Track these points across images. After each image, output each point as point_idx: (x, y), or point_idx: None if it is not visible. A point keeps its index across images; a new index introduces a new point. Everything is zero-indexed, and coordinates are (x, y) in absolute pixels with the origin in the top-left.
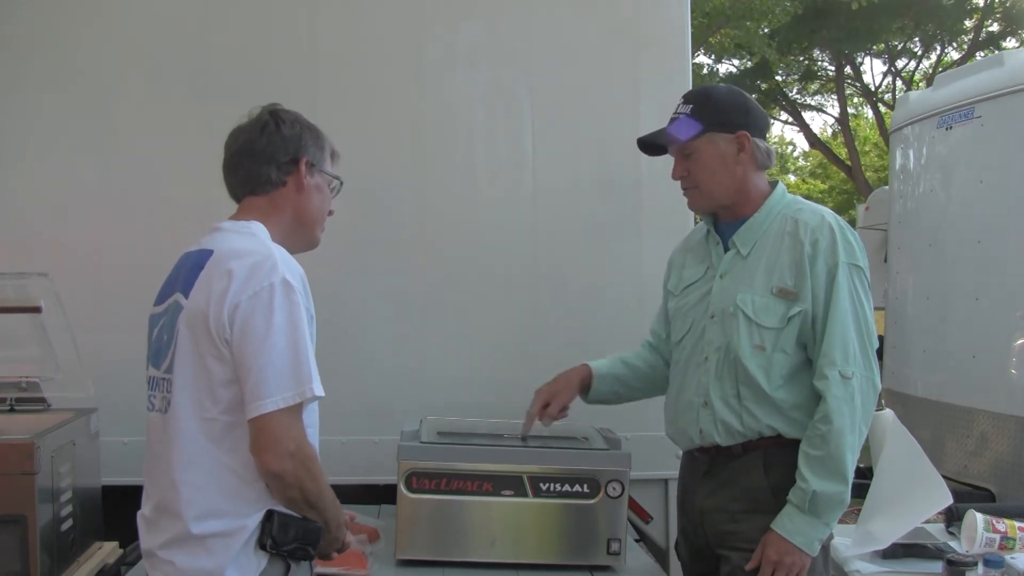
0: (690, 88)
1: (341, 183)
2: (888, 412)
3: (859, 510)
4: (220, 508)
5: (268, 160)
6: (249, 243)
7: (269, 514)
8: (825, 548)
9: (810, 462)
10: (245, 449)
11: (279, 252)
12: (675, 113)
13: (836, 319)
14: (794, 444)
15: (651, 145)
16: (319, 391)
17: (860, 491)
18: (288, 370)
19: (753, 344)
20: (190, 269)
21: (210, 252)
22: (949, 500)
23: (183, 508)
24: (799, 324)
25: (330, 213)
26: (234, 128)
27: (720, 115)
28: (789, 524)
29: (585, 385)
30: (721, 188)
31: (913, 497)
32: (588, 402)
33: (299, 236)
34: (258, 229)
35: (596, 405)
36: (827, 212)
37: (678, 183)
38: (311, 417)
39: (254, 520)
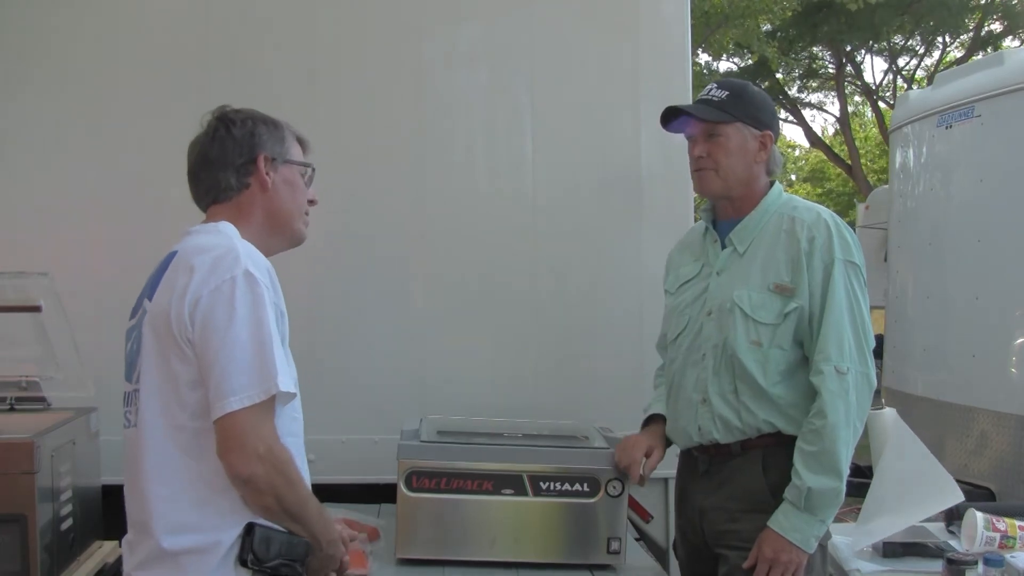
0: (690, 88)
1: (313, 169)
2: (890, 411)
3: (859, 508)
4: (191, 521)
5: (224, 166)
6: (214, 239)
7: (249, 527)
8: (823, 546)
9: (805, 458)
10: (215, 456)
11: (243, 246)
12: (709, 95)
13: (832, 315)
14: (792, 443)
15: (671, 119)
16: (284, 387)
17: (861, 490)
18: (252, 366)
19: (750, 340)
20: (156, 274)
21: (175, 253)
22: (959, 497)
23: (154, 522)
24: (796, 320)
25: (312, 203)
26: (192, 140)
27: (753, 110)
28: (785, 521)
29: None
30: (736, 177)
31: (917, 494)
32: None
33: (278, 234)
34: (226, 227)
35: (595, 403)
36: (823, 210)
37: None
38: (294, 416)
39: (230, 535)
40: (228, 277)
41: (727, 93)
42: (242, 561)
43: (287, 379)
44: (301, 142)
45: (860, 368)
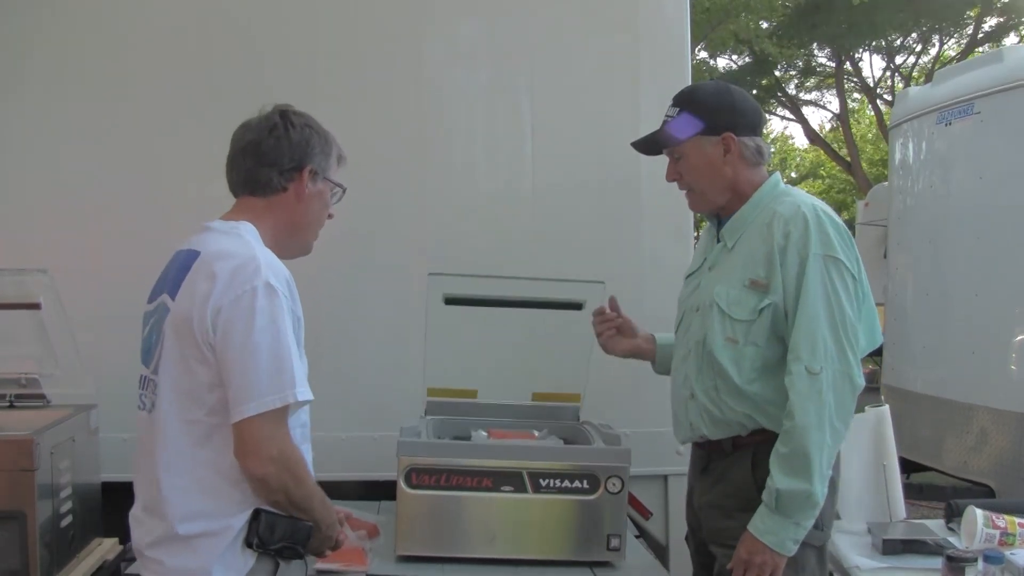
0: None
1: (344, 191)
2: (883, 408)
3: None
4: (204, 509)
5: (272, 163)
6: (235, 245)
7: (256, 513)
8: (818, 548)
9: (778, 460)
10: (230, 451)
11: (263, 255)
12: (666, 116)
13: (805, 313)
14: None
15: (647, 144)
16: (303, 395)
17: None
18: (270, 374)
19: (725, 337)
20: (178, 270)
21: (197, 253)
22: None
23: (168, 509)
24: (771, 317)
25: (329, 216)
26: (243, 123)
27: (704, 117)
28: (760, 523)
29: (648, 347)
30: (713, 189)
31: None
32: (658, 372)
33: (293, 241)
34: (246, 230)
35: (594, 402)
36: (806, 203)
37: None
38: (302, 416)
39: (240, 520)
40: (249, 288)
41: (678, 110)
42: (248, 544)
43: (305, 388)
44: (340, 160)
45: (839, 367)
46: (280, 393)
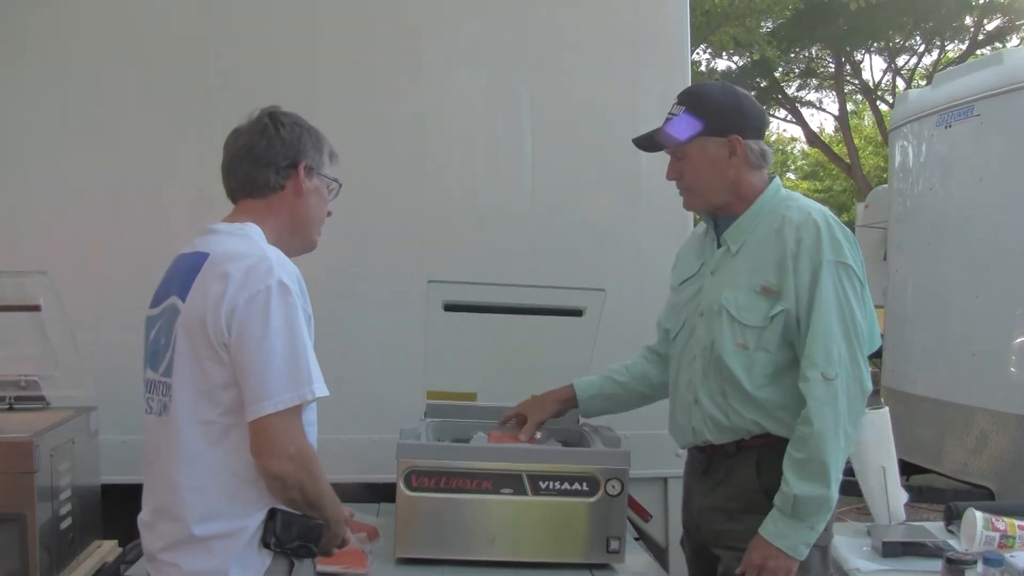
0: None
1: (340, 185)
2: (883, 411)
3: (857, 508)
4: (221, 510)
5: (267, 164)
6: (244, 245)
7: (272, 512)
8: (822, 548)
9: (793, 465)
10: (245, 450)
11: (274, 254)
12: (670, 113)
13: (819, 319)
14: (785, 444)
15: (649, 141)
16: (321, 392)
17: (851, 489)
18: (286, 372)
19: (735, 343)
20: (186, 272)
21: (205, 255)
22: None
23: (184, 511)
24: (782, 323)
25: (328, 214)
26: (233, 129)
27: (711, 118)
28: (773, 528)
29: (570, 405)
30: (713, 190)
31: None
32: (584, 416)
33: (296, 239)
34: (253, 231)
35: None
36: (815, 209)
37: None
38: (310, 415)
39: (255, 520)
40: (263, 287)
41: (683, 109)
42: (265, 544)
43: (321, 384)
44: (332, 156)
45: (851, 372)
46: (297, 391)
